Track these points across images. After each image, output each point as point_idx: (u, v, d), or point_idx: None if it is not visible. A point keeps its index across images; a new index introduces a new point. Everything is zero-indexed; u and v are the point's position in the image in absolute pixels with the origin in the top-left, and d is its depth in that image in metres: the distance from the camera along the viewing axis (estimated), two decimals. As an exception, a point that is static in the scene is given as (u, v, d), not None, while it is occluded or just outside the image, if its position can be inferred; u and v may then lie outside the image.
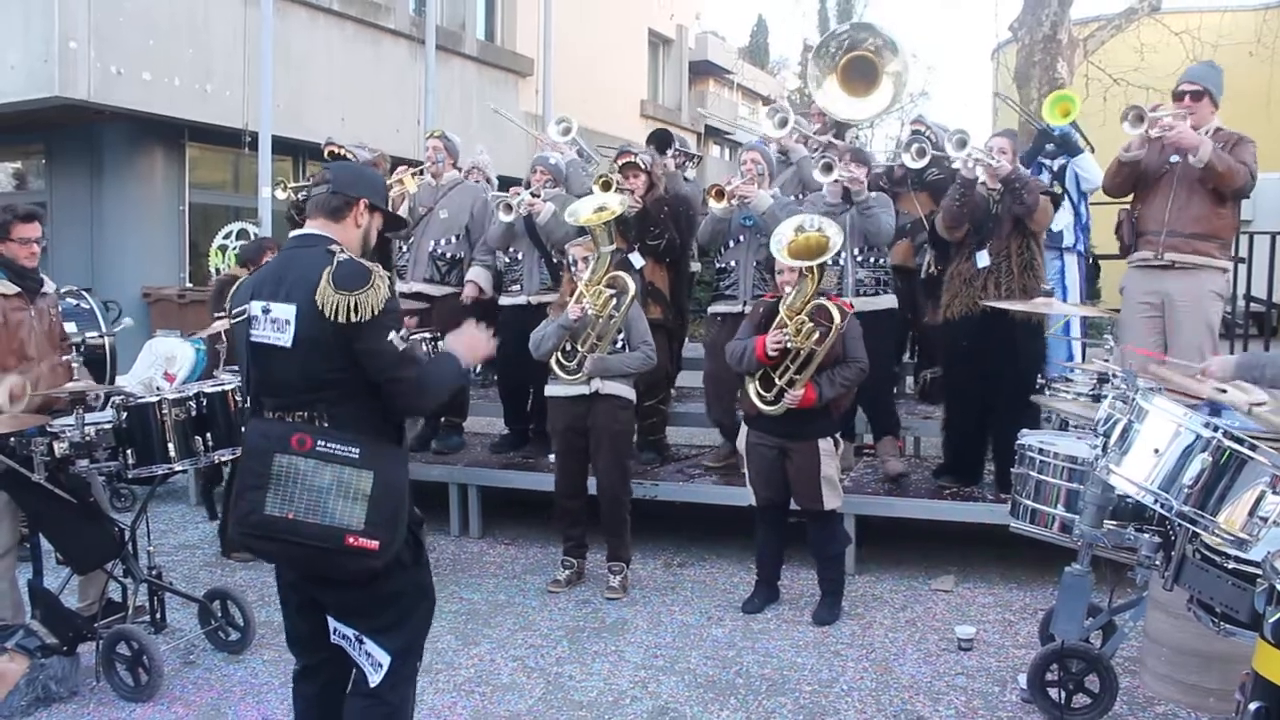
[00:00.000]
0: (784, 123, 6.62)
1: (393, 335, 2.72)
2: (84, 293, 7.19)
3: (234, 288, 2.95)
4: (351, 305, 2.63)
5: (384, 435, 2.78)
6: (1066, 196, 6.39)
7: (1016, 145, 5.60)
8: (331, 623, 2.84)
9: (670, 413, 6.94)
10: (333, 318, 2.63)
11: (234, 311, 2.86)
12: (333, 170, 2.94)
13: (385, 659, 2.80)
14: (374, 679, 2.80)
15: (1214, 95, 5.32)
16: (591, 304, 5.14)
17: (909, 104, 26.90)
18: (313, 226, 2.87)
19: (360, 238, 2.92)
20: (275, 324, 2.72)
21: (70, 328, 6.65)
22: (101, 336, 6.85)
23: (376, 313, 2.65)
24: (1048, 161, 6.42)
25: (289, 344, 2.70)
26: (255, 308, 2.76)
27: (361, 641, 2.79)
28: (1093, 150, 6.75)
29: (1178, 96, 5.31)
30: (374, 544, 2.64)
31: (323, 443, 2.65)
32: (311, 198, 2.91)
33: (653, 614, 5.11)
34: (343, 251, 2.75)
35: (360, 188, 2.91)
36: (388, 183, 6.63)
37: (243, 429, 2.97)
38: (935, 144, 6.32)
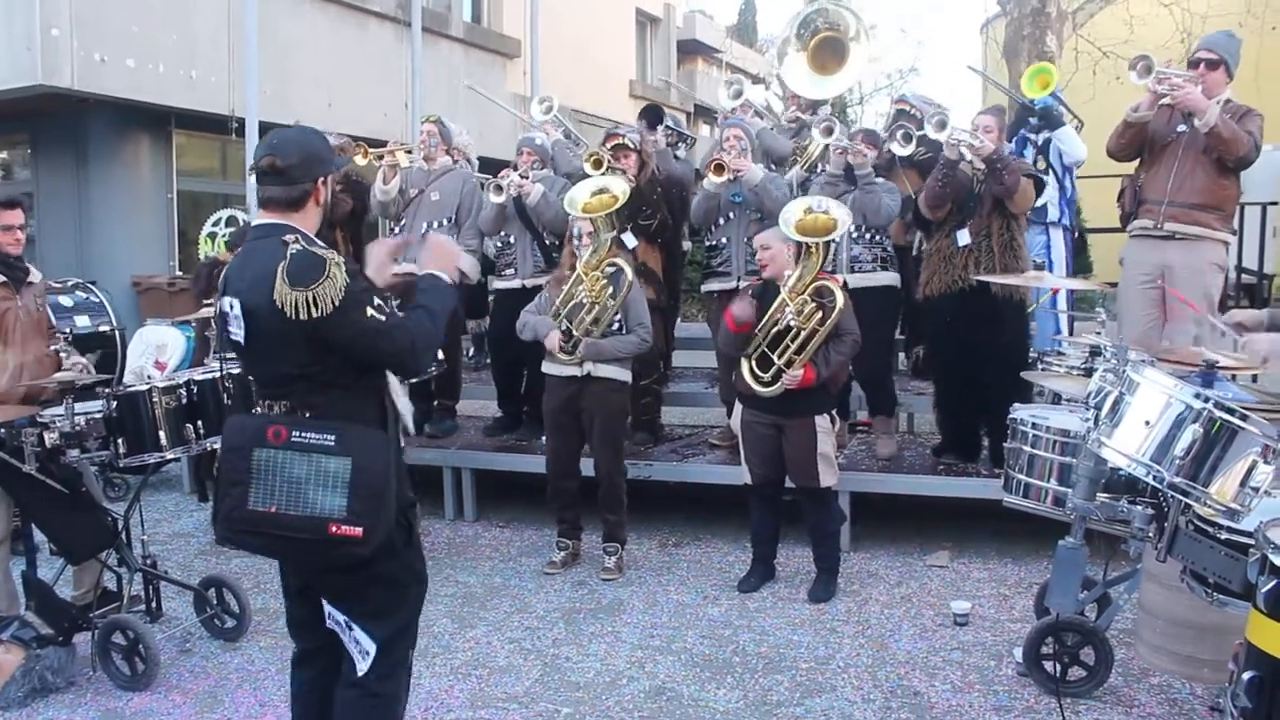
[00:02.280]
0: (738, 95, 6.61)
1: (370, 310, 2.63)
2: (90, 285, 7.17)
3: (223, 276, 2.90)
4: (310, 300, 2.54)
5: (365, 419, 2.73)
6: (1051, 171, 6.37)
7: (1003, 122, 5.57)
8: (325, 606, 2.82)
9: (664, 393, 6.93)
10: (294, 316, 2.54)
11: (216, 308, 2.85)
12: (279, 154, 2.70)
13: (371, 647, 2.77)
14: (361, 667, 2.78)
15: (1230, 66, 5.26)
16: (588, 289, 5.14)
17: (898, 80, 26.86)
18: (271, 216, 2.75)
19: (320, 214, 2.83)
20: (237, 320, 2.69)
21: (83, 321, 6.67)
22: (113, 329, 6.85)
23: (337, 303, 2.55)
24: (1033, 136, 6.40)
25: (242, 340, 2.70)
26: (226, 303, 2.73)
27: (350, 628, 2.78)
28: (1081, 124, 6.72)
29: (1193, 64, 5.26)
30: (357, 531, 2.60)
31: (298, 433, 2.62)
32: (261, 184, 2.74)
33: (649, 594, 5.11)
34: (296, 241, 2.64)
35: (314, 169, 2.77)
36: (382, 153, 6.61)
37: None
38: (921, 122, 6.30)
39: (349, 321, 2.59)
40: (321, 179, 2.79)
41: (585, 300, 5.18)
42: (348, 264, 2.64)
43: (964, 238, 5.38)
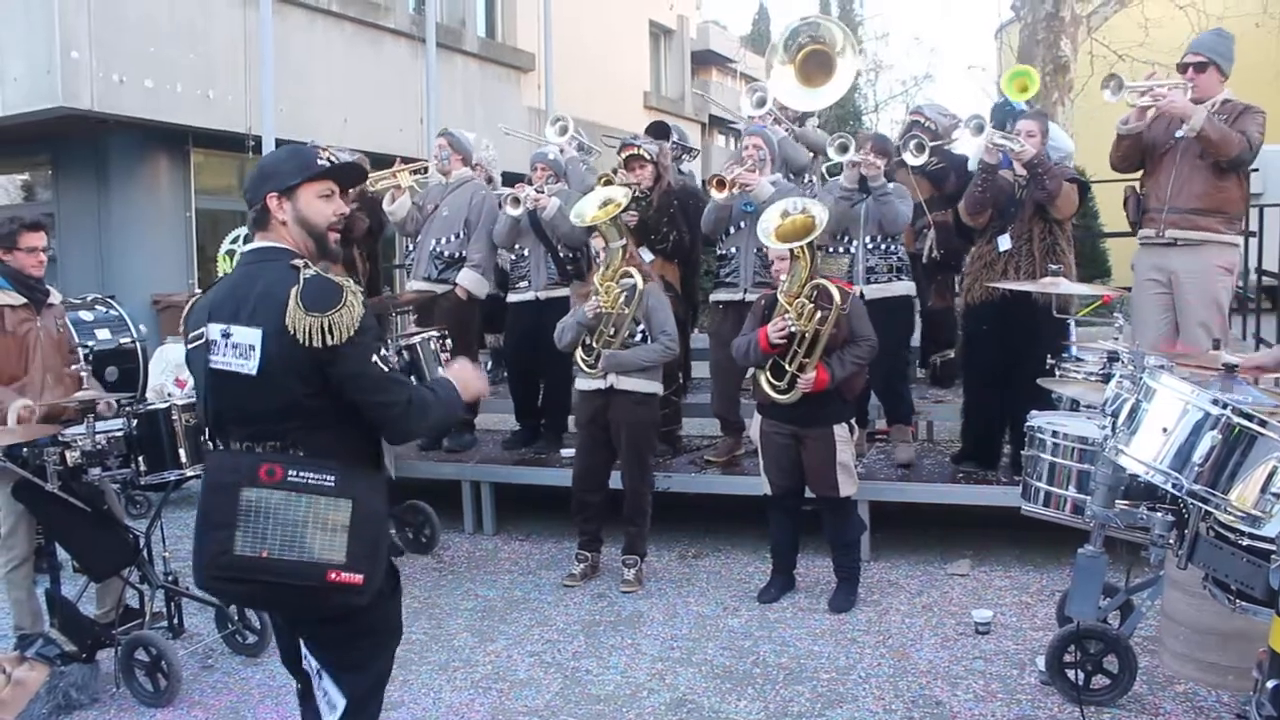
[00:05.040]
0: (762, 102, 6.60)
1: (375, 358, 2.51)
2: (110, 299, 7.23)
3: (189, 306, 2.71)
4: (325, 328, 2.41)
5: (360, 461, 2.59)
6: None
7: (1045, 126, 5.55)
8: (302, 647, 2.66)
9: (683, 404, 6.92)
10: (306, 342, 2.41)
11: (190, 336, 2.63)
12: (245, 183, 2.69)
13: (340, 702, 2.60)
14: (329, 719, 2.62)
15: (1221, 66, 5.23)
16: (604, 300, 5.16)
17: (913, 87, 26.84)
18: (261, 240, 2.64)
19: (299, 230, 2.63)
20: (238, 349, 2.48)
21: (104, 335, 6.73)
22: (134, 342, 6.90)
23: (353, 333, 2.44)
24: None
25: (255, 372, 2.46)
26: (214, 331, 2.53)
27: (321, 677, 2.62)
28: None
29: (1181, 69, 5.26)
30: (358, 578, 2.45)
31: (294, 472, 2.44)
32: None
33: (669, 606, 5.11)
34: (308, 266, 2.52)
35: (262, 185, 2.62)
36: (385, 173, 6.64)
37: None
38: (935, 133, 6.29)
39: (357, 358, 2.47)
40: (271, 195, 2.61)
41: (604, 312, 5.20)
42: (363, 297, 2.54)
43: (1005, 243, 5.36)
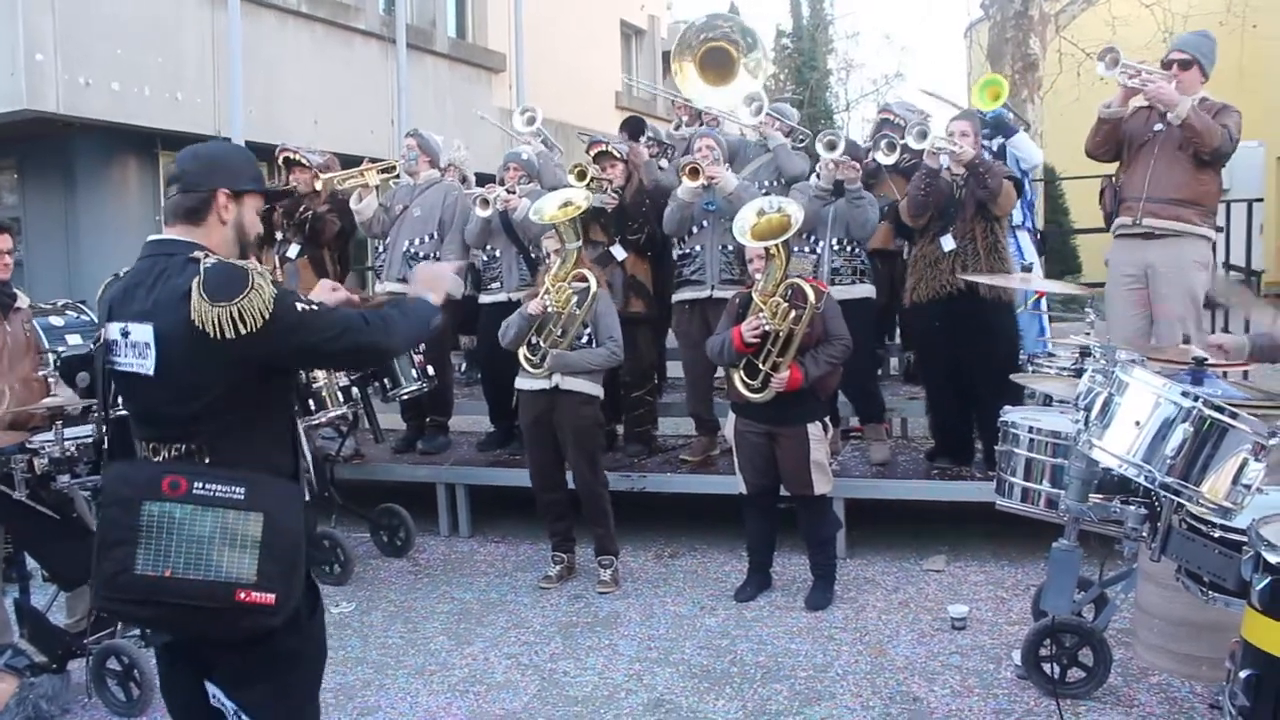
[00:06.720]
0: (760, 110, 6.58)
1: (299, 305, 2.35)
2: (80, 304, 7.16)
3: (101, 290, 2.54)
4: (235, 316, 2.24)
5: (275, 469, 2.41)
6: None
7: (978, 126, 5.61)
8: (210, 687, 2.42)
9: (657, 404, 6.92)
10: (216, 335, 2.24)
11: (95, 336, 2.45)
12: (180, 164, 2.48)
13: None
14: None
15: (1204, 66, 5.28)
16: (554, 300, 5.14)
17: (884, 86, 26.97)
18: (172, 233, 2.46)
19: (233, 234, 2.49)
20: (136, 348, 2.33)
21: (75, 340, 6.65)
22: None
23: (268, 316, 2.26)
24: (986, 143, 6.42)
25: (151, 372, 2.31)
26: (113, 330, 2.38)
27: (240, 717, 2.41)
28: (1027, 127, 6.79)
29: (1165, 65, 5.28)
30: (269, 598, 2.25)
31: (200, 484, 2.26)
32: (167, 201, 2.52)
33: (645, 606, 5.10)
34: (208, 256, 2.33)
35: (215, 177, 2.46)
36: (352, 172, 6.60)
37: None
38: (904, 129, 6.31)
39: (285, 327, 2.31)
40: (223, 191, 2.46)
41: (552, 312, 5.19)
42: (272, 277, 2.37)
43: (949, 243, 5.42)
